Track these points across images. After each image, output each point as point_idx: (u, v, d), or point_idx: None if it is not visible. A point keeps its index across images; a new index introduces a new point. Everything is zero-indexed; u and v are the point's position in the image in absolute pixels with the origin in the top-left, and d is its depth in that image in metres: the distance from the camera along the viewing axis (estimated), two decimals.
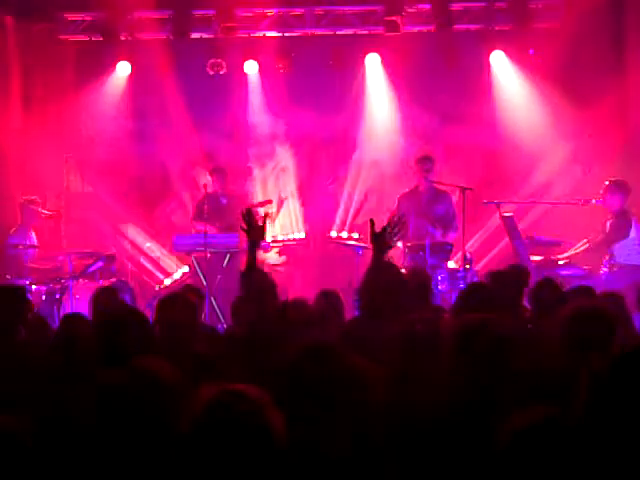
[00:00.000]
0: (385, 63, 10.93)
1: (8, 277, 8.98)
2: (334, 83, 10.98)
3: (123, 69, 11.05)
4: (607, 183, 8.77)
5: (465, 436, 3.25)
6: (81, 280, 9.05)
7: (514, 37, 10.56)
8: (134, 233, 11.17)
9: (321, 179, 11.35)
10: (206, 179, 10.45)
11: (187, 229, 10.49)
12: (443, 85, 10.93)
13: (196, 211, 10.09)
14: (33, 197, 9.82)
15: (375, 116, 11.17)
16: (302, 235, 10.96)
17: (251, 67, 11.04)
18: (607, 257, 8.54)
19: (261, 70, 11.08)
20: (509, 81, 10.86)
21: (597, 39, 10.23)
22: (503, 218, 8.75)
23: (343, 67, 10.92)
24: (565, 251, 8.92)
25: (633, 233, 8.54)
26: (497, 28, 10.64)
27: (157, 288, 10.01)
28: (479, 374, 3.55)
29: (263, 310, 4.58)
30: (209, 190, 10.06)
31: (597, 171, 10.18)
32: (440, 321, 5.13)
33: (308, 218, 11.21)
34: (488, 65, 10.84)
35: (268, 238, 10.68)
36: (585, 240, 8.88)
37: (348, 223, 11.07)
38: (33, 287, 8.81)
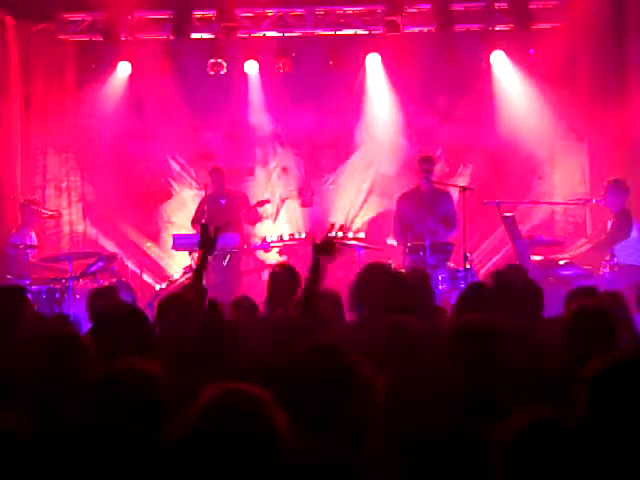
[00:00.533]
0: (385, 63, 10.92)
1: (8, 277, 8.98)
2: (334, 83, 10.98)
3: (123, 69, 11.05)
4: (607, 183, 8.77)
5: (465, 436, 3.25)
6: (82, 280, 9.05)
7: (514, 37, 10.56)
8: (134, 233, 11.17)
9: (321, 179, 11.35)
10: (206, 179, 10.45)
11: (187, 229, 10.48)
12: (443, 85, 10.94)
13: (197, 214, 10.07)
14: (33, 197, 9.81)
15: (375, 116, 11.17)
16: (302, 235, 10.95)
17: (251, 67, 11.04)
18: (608, 257, 8.54)
19: (261, 70, 11.07)
20: (509, 81, 10.85)
21: (597, 39, 10.23)
22: (503, 218, 8.75)
23: (343, 67, 10.91)
24: (565, 251, 8.92)
25: (634, 233, 8.54)
26: (497, 28, 10.63)
27: (157, 288, 10.00)
28: (474, 373, 3.55)
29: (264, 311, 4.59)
30: (208, 191, 10.07)
31: (597, 171, 10.19)
32: (441, 321, 5.15)
33: (308, 218, 11.21)
34: (488, 65, 10.84)
35: (268, 238, 10.69)
36: (584, 239, 8.88)
37: (348, 223, 11.07)
38: (33, 287, 8.81)
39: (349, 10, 10.79)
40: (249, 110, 11.22)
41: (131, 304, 5.99)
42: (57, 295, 8.81)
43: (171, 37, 10.73)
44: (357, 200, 11.23)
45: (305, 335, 3.99)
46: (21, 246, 9.11)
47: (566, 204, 9.47)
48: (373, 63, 10.98)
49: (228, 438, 2.33)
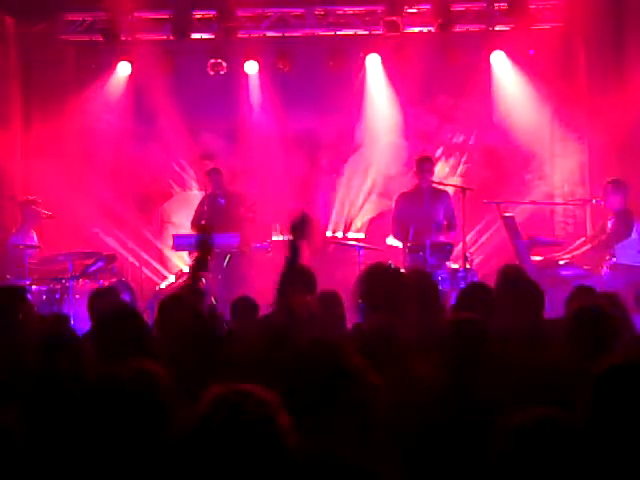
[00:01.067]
0: (385, 63, 10.93)
1: (8, 277, 8.98)
2: (334, 83, 10.97)
3: (123, 69, 11.05)
4: (606, 183, 8.77)
5: (464, 435, 3.25)
6: (81, 280, 9.04)
7: (514, 37, 10.55)
8: (134, 233, 11.16)
9: (321, 179, 11.35)
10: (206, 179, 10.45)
11: (187, 229, 10.47)
12: (443, 85, 10.94)
13: (196, 215, 10.07)
14: (34, 197, 9.81)
15: (375, 116, 11.17)
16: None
17: (251, 67, 11.04)
18: (608, 257, 8.54)
19: (261, 70, 11.08)
20: (509, 82, 10.86)
21: (597, 39, 10.23)
22: (503, 218, 8.75)
23: (343, 67, 10.92)
24: (565, 251, 8.92)
25: (634, 234, 8.54)
26: (497, 28, 10.63)
27: (157, 288, 10.00)
28: (466, 372, 3.56)
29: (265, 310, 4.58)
30: (208, 191, 10.07)
31: (597, 171, 10.19)
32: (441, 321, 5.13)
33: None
34: (488, 65, 10.85)
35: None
36: (584, 239, 8.87)
37: (348, 223, 11.07)
38: (33, 287, 8.81)
39: (349, 10, 10.80)
40: (249, 110, 11.23)
41: (125, 305, 5.97)
42: (57, 295, 8.81)
43: (171, 37, 10.73)
44: (357, 200, 11.23)
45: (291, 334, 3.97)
46: (21, 246, 9.11)
47: (566, 204, 9.47)
48: (373, 63, 10.99)
49: (231, 439, 2.33)
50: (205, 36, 10.90)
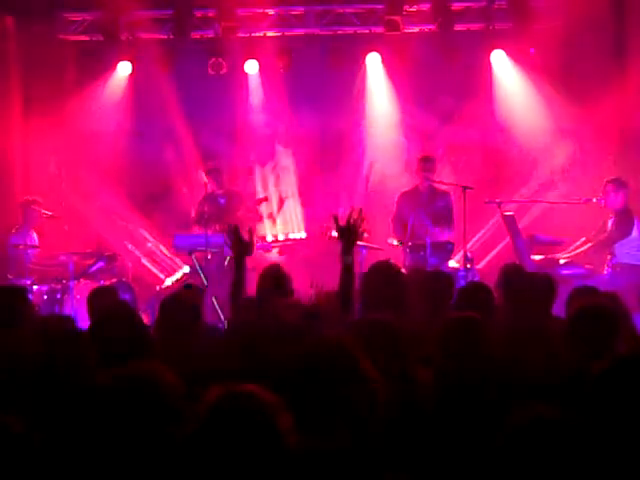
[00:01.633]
0: (385, 63, 10.93)
1: (9, 277, 8.99)
2: (334, 83, 10.97)
3: (124, 69, 11.05)
4: (606, 182, 8.76)
5: (464, 435, 3.25)
6: (82, 280, 9.05)
7: (515, 36, 10.54)
8: (134, 233, 11.15)
9: (321, 179, 11.35)
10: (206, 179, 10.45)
11: (188, 229, 10.47)
12: (443, 85, 10.94)
13: (197, 215, 10.07)
14: (34, 197, 9.81)
15: (375, 116, 11.17)
16: (302, 235, 10.95)
17: (251, 67, 11.04)
18: (609, 256, 8.54)
19: (261, 70, 11.07)
20: (510, 80, 10.85)
21: (597, 39, 10.22)
22: (504, 217, 8.75)
23: (343, 67, 10.91)
24: (566, 250, 8.91)
25: (635, 232, 8.54)
26: (497, 27, 10.63)
27: (158, 288, 10.00)
28: (467, 372, 3.56)
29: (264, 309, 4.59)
30: (208, 191, 10.07)
31: (596, 171, 10.18)
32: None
33: (308, 218, 11.20)
34: (488, 64, 10.84)
35: (269, 238, 10.68)
36: (584, 239, 8.87)
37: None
38: (34, 287, 8.82)
39: (349, 9, 10.80)
40: (249, 110, 11.23)
41: (121, 304, 5.96)
42: (58, 295, 8.83)
43: (171, 37, 10.73)
44: (357, 200, 11.21)
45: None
46: (21, 246, 9.12)
47: (566, 204, 9.45)
48: (373, 62, 10.98)
49: (232, 439, 2.33)
50: (205, 35, 10.90)
